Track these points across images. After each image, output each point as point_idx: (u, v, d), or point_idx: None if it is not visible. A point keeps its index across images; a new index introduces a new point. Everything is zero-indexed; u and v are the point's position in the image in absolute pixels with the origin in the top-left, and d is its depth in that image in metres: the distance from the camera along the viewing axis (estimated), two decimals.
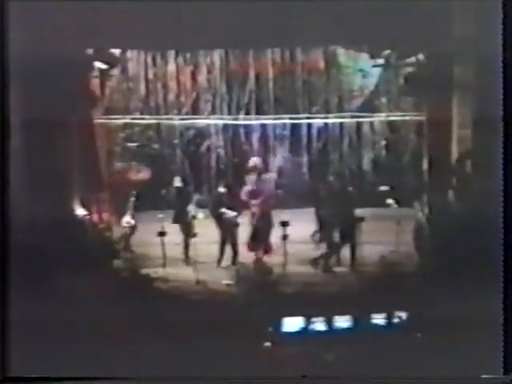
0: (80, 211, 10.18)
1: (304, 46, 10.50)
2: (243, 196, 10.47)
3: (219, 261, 10.02)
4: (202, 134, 12.18)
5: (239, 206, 10.42)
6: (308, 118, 11.85)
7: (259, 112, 11.89)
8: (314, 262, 9.77)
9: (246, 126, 12.01)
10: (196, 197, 10.74)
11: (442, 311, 7.50)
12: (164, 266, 9.76)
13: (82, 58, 9.46)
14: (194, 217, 10.37)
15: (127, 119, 11.50)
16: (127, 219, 10.44)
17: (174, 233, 10.13)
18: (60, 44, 9.21)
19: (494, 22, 7.15)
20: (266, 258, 9.84)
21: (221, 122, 11.90)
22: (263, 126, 12.03)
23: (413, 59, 10.10)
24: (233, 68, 11.36)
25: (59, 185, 9.25)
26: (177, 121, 11.73)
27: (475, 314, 7.11)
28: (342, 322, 7.98)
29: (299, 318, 8.03)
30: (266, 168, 11.25)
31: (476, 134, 8.97)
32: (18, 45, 7.63)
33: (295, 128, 12.11)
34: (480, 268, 7.27)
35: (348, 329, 7.94)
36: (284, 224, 9.68)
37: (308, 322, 8.01)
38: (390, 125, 12.03)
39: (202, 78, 11.67)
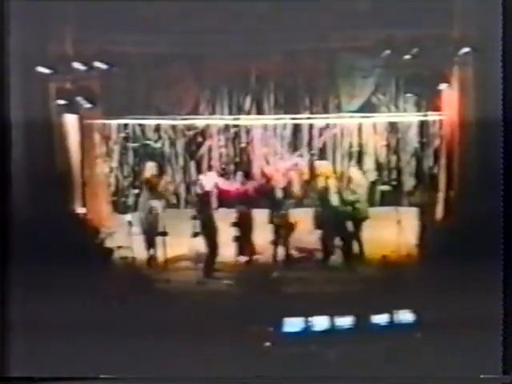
0: (80, 210, 10.25)
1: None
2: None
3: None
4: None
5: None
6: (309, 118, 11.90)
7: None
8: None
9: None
10: None
11: (442, 311, 7.51)
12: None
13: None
14: None
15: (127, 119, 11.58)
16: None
17: None
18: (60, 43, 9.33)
19: (493, 21, 7.14)
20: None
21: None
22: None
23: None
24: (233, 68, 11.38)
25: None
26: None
27: (475, 314, 7.10)
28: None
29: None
30: None
31: (476, 134, 8.99)
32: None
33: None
34: (480, 268, 7.26)
35: (348, 329, 7.94)
36: None
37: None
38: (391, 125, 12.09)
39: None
